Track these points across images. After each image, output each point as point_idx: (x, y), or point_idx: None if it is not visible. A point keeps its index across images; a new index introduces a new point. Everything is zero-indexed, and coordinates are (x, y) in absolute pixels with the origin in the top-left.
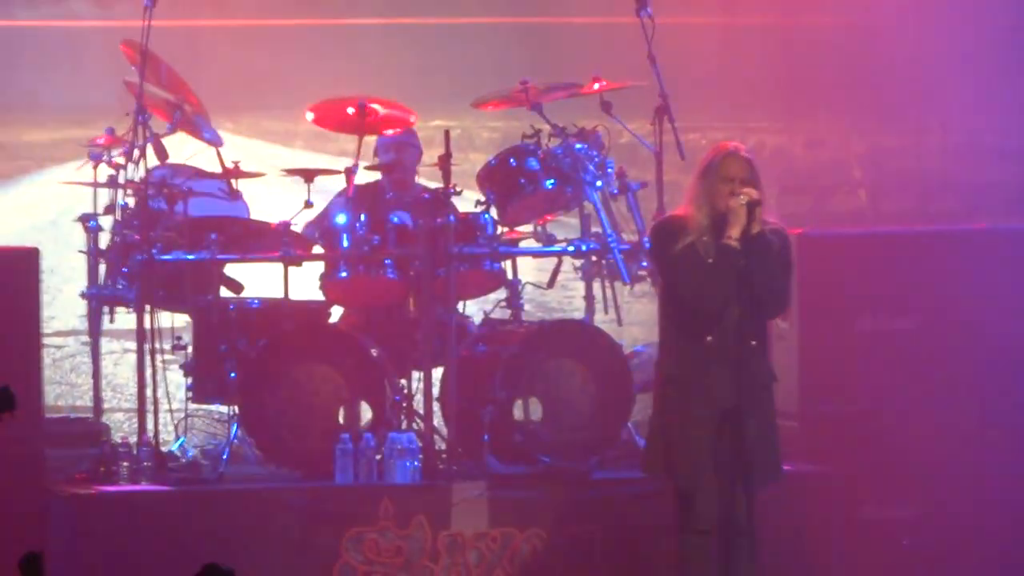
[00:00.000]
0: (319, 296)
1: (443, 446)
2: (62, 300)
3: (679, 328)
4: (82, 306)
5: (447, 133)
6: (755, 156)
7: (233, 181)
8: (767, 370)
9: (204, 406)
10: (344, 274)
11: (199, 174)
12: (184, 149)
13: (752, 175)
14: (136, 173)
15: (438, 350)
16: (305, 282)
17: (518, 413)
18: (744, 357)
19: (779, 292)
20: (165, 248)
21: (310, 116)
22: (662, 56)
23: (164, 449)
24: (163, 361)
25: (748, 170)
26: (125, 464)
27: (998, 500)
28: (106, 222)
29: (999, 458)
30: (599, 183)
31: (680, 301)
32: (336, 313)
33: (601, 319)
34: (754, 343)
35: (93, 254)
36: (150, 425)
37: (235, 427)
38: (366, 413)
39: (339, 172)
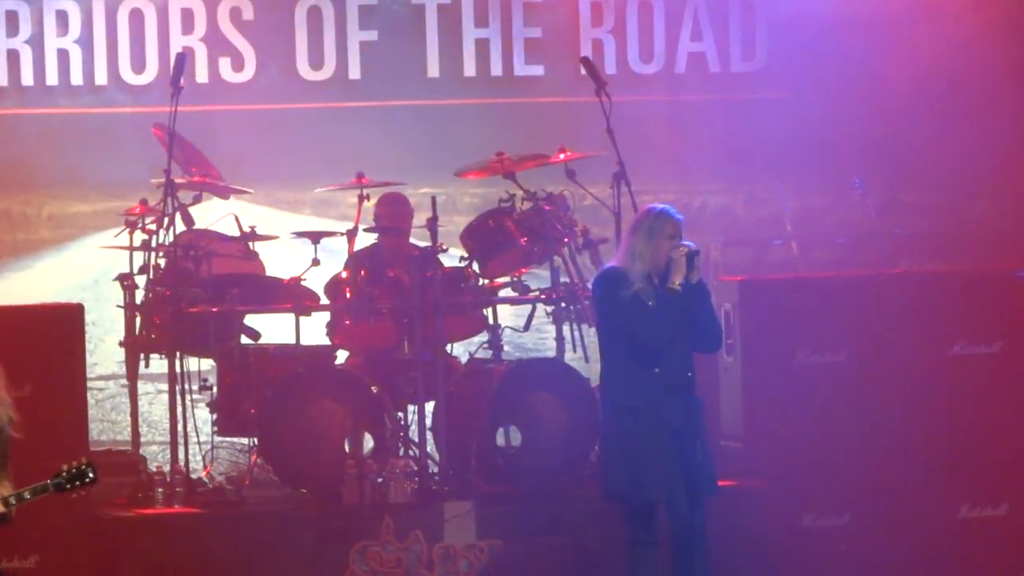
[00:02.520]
0: (326, 341)
1: (436, 470)
2: (103, 349)
3: (629, 362)
4: (121, 353)
5: (434, 199)
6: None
7: (250, 243)
8: (699, 398)
9: (228, 438)
10: (347, 322)
11: (221, 237)
12: (208, 216)
13: (683, 231)
14: (166, 238)
15: (430, 386)
16: (314, 329)
17: (500, 440)
18: (685, 385)
19: (718, 330)
20: (192, 302)
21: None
22: (619, 130)
23: (193, 476)
24: (192, 400)
25: (681, 228)
26: (160, 490)
27: (917, 505)
28: (141, 280)
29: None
30: (566, 240)
31: (629, 339)
32: (341, 356)
33: (570, 357)
34: (690, 374)
35: (130, 308)
36: (181, 456)
37: (255, 456)
38: (369, 442)
39: (342, 234)
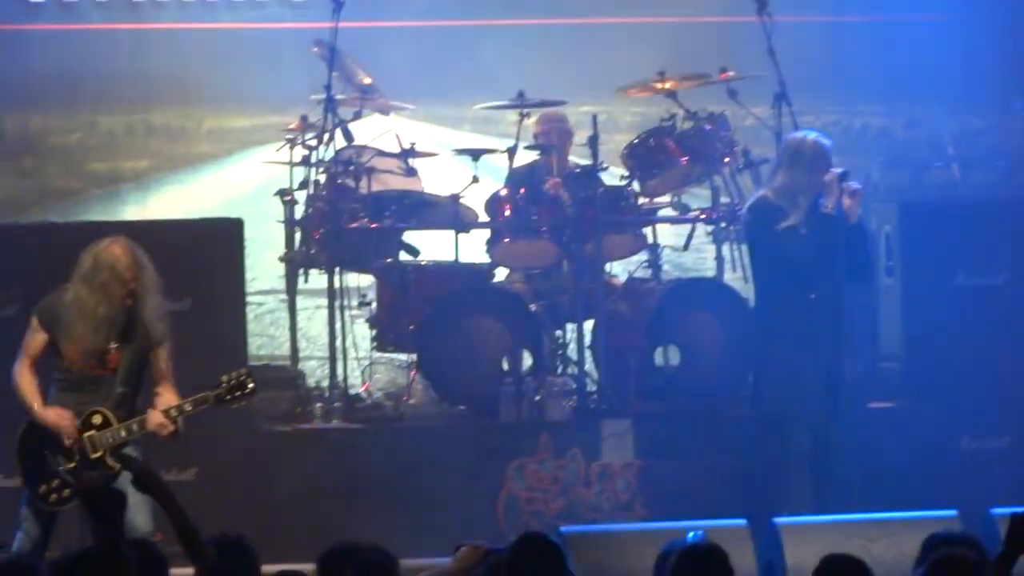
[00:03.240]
0: (485, 259)
1: (594, 388)
2: (263, 264)
3: (782, 288)
4: (280, 268)
5: (595, 117)
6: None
7: (410, 160)
8: (850, 321)
9: (386, 354)
10: (507, 240)
11: (381, 154)
12: (368, 132)
13: None
14: (326, 153)
15: (589, 305)
16: (473, 247)
17: (659, 359)
18: (837, 309)
19: (871, 263)
20: (351, 218)
21: None
22: (780, 49)
23: (352, 391)
24: (351, 315)
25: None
26: (319, 405)
27: None
28: (300, 196)
29: None
30: (726, 159)
31: (783, 266)
32: (500, 273)
33: (730, 277)
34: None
35: (290, 224)
36: (340, 371)
37: (413, 372)
38: (527, 360)
39: (502, 151)
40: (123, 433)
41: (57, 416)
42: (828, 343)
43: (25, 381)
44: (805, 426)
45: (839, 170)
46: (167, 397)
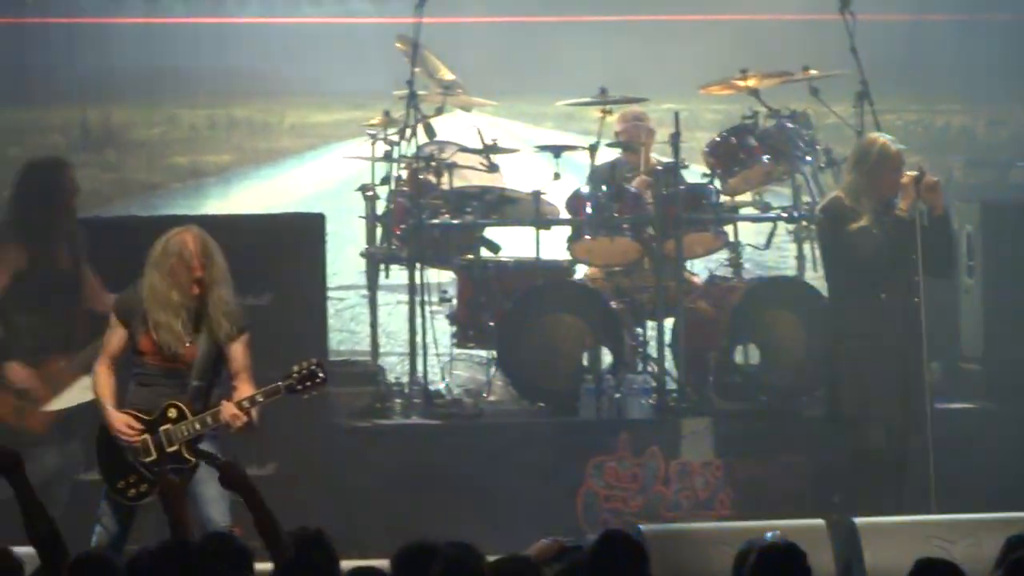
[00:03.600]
0: (566, 256)
1: (674, 386)
2: (344, 259)
3: (854, 288)
4: (361, 264)
5: (676, 115)
6: None
7: (492, 156)
8: (922, 322)
9: (466, 350)
10: (588, 236)
11: (462, 150)
12: (450, 128)
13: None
14: (408, 149)
15: (669, 302)
16: (554, 244)
17: (739, 357)
18: (910, 310)
19: (948, 252)
20: (433, 214)
21: None
22: (862, 48)
23: (431, 388)
24: (431, 311)
25: (903, 156)
26: (398, 401)
27: None
28: (382, 191)
29: None
30: (808, 158)
31: (855, 267)
32: (581, 270)
33: (811, 276)
34: (916, 300)
35: (371, 219)
36: (420, 367)
37: (493, 368)
38: (607, 357)
39: (584, 148)
40: (197, 426)
41: (122, 424)
42: (900, 344)
43: (101, 380)
44: (881, 426)
45: (915, 173)
46: (243, 390)
